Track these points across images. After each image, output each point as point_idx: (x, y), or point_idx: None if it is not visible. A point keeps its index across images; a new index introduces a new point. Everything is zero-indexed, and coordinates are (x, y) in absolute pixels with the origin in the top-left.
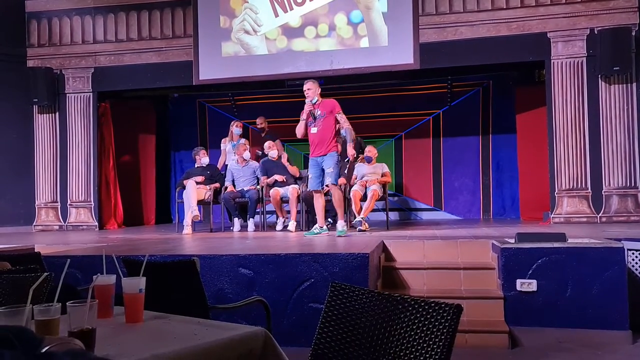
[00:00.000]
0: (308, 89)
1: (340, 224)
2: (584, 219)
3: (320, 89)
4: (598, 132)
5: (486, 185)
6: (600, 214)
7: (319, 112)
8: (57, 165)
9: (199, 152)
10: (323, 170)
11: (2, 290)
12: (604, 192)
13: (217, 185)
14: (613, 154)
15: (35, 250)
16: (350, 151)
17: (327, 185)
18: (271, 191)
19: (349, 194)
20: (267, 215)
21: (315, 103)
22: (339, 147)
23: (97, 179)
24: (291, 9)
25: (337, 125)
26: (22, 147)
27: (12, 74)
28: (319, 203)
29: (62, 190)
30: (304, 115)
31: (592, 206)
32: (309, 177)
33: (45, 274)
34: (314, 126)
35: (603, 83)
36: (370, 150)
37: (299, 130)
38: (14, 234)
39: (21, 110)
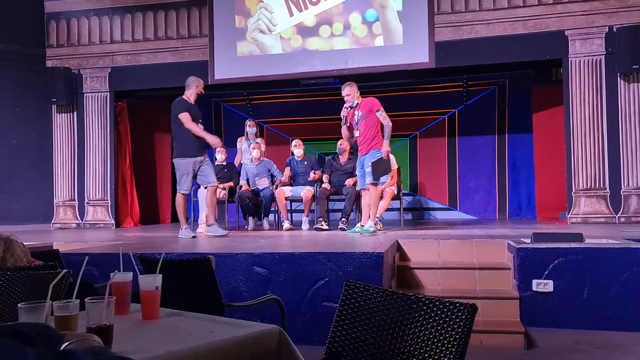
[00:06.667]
0: (347, 95)
1: (369, 224)
2: (602, 219)
3: (358, 91)
4: (616, 131)
5: (502, 184)
6: (618, 214)
7: (359, 114)
8: (75, 164)
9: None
10: None
11: (22, 287)
12: (623, 192)
13: (231, 184)
14: (632, 153)
15: (54, 248)
16: (386, 148)
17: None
18: (276, 191)
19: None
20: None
21: (355, 106)
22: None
23: (114, 177)
24: (306, 8)
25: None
26: (41, 146)
27: (32, 74)
28: (364, 202)
29: (80, 188)
30: (343, 119)
31: (610, 206)
32: (357, 176)
33: (64, 270)
34: (356, 130)
35: (622, 81)
36: None
37: (344, 133)
38: (33, 231)
39: (40, 110)
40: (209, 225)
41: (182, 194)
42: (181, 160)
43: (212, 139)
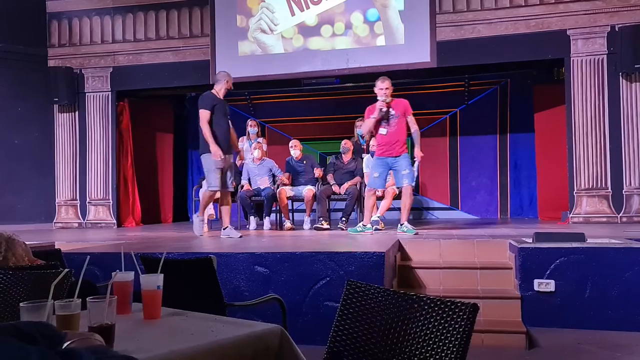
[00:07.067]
0: (387, 88)
1: (407, 224)
2: (604, 219)
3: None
4: (619, 131)
5: (504, 184)
6: (620, 214)
7: (392, 113)
8: (77, 163)
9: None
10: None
11: (24, 286)
12: (625, 191)
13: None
14: (634, 153)
15: (56, 247)
16: (419, 152)
17: (404, 186)
18: (278, 191)
19: (364, 193)
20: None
21: (388, 102)
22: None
23: (116, 177)
24: (307, 7)
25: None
26: (43, 145)
27: (34, 74)
28: (370, 202)
29: (82, 188)
30: (375, 114)
31: (612, 206)
32: (374, 175)
33: (66, 270)
34: (384, 127)
35: (624, 81)
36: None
37: (366, 128)
38: (35, 231)
39: (42, 109)
40: (224, 229)
41: (212, 192)
42: (208, 156)
43: (214, 150)
